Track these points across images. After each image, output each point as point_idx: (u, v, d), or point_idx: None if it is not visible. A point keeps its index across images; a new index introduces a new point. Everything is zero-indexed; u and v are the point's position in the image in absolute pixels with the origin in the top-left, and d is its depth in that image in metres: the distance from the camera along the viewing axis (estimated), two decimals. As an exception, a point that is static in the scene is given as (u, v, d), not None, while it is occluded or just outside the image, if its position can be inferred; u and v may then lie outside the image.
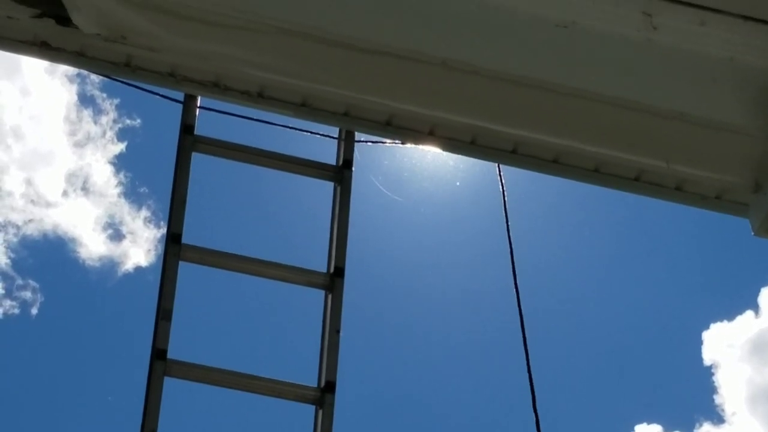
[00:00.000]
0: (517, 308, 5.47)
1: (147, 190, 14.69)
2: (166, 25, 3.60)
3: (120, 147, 14.52)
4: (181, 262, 4.90)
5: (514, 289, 5.52)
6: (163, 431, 4.61)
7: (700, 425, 15.10)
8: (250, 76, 3.74)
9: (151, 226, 14.40)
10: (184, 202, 5.01)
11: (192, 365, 4.79)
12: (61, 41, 3.69)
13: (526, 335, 5.41)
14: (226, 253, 5.05)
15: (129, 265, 14.80)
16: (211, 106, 5.32)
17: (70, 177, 14.94)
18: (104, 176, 15.00)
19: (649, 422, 14.39)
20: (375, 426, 14.24)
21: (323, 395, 4.82)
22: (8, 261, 14.61)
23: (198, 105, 5.21)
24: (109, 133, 14.55)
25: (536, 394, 5.31)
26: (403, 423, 14.50)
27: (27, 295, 14.62)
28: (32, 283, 14.71)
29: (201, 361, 4.82)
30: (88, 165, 15.01)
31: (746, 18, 3.72)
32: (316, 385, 4.87)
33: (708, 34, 3.72)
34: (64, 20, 3.61)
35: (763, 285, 14.97)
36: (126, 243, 14.68)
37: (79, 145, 14.70)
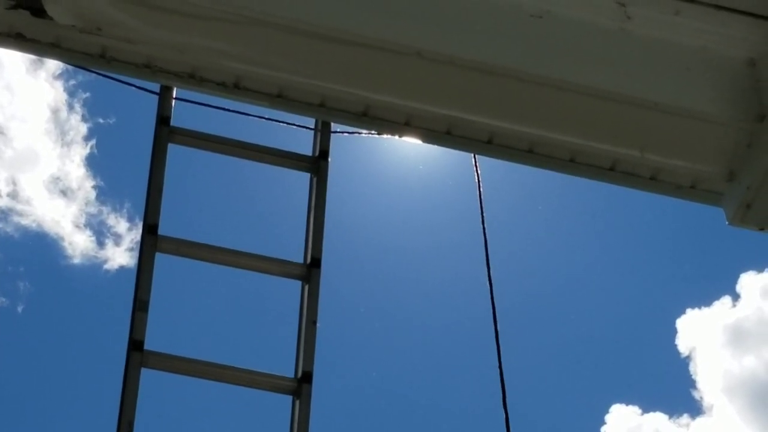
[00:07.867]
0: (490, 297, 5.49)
1: (128, 186, 14.67)
2: (141, 17, 3.59)
3: (96, 143, 14.48)
4: (157, 254, 4.90)
5: (488, 279, 5.53)
6: (140, 422, 4.62)
7: (679, 416, 15.16)
8: (226, 67, 3.74)
9: (137, 220, 14.38)
10: (160, 193, 5.01)
11: (169, 356, 4.80)
12: (35, 32, 3.68)
13: (500, 323, 5.44)
14: (203, 244, 5.06)
15: (113, 264, 14.78)
16: (187, 98, 5.31)
17: (54, 175, 14.90)
18: (85, 174, 14.96)
19: (627, 404, 14.48)
20: (352, 416, 14.26)
21: (300, 386, 4.83)
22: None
23: (174, 96, 5.21)
24: (88, 130, 14.51)
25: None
26: (380, 413, 14.53)
27: (14, 289, 14.63)
28: (20, 278, 14.70)
29: (178, 352, 4.83)
30: (70, 163, 14.97)
31: (719, 8, 3.74)
32: (293, 376, 4.88)
33: (681, 23, 3.73)
34: (38, 11, 3.60)
35: (742, 271, 14.99)
36: (110, 241, 14.66)
37: (59, 142, 14.66)
